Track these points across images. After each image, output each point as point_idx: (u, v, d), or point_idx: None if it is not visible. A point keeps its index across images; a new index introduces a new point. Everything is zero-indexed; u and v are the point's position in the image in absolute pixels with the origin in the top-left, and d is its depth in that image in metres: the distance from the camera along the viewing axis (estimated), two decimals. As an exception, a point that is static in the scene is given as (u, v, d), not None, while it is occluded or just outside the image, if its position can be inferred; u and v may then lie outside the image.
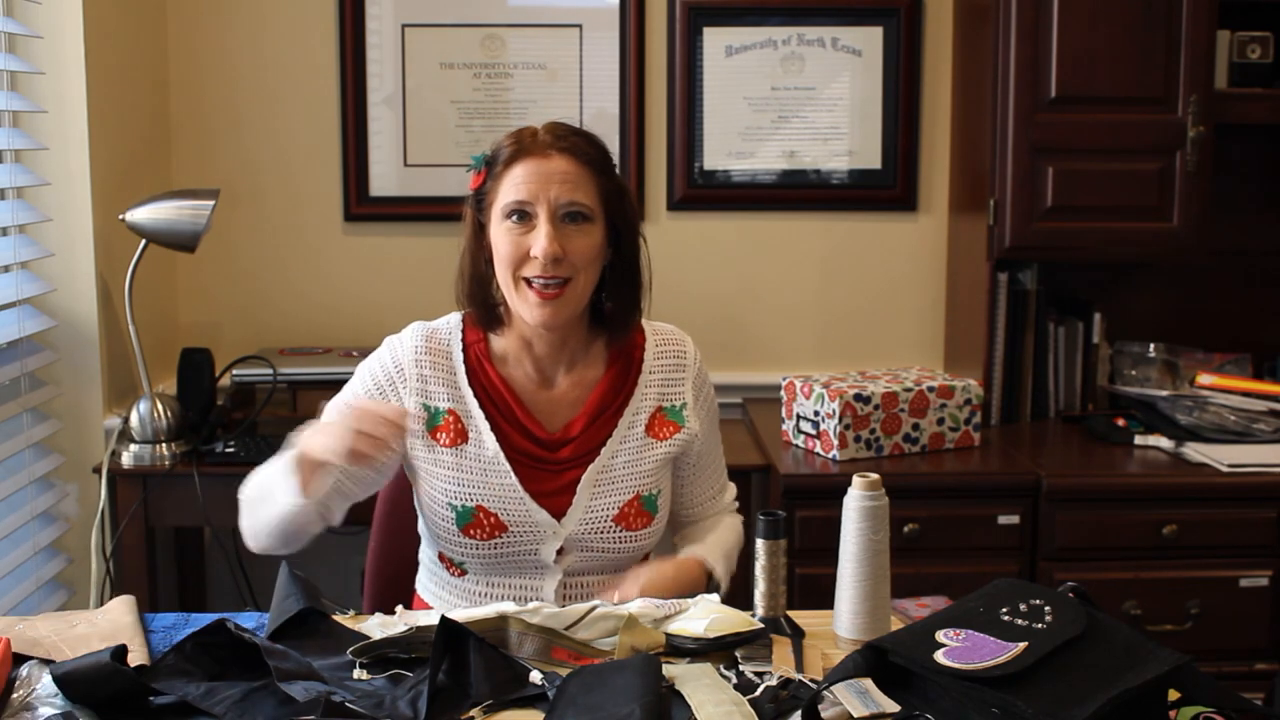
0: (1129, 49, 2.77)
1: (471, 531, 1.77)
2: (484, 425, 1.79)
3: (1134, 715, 1.23)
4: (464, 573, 1.83)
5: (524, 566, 1.80)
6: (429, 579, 1.91)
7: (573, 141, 1.75)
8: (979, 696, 1.22)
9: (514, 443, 1.80)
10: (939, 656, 1.27)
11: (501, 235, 1.74)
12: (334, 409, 1.83)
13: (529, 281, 1.73)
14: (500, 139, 1.80)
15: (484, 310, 1.82)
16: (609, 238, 1.79)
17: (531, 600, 1.78)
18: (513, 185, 1.73)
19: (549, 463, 1.81)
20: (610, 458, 1.82)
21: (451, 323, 1.87)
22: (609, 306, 1.84)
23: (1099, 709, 1.18)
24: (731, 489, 2.02)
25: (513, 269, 1.74)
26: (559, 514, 1.79)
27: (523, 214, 1.73)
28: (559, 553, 1.80)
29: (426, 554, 1.91)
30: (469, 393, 1.81)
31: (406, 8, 3.04)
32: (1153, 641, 1.29)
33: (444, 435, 1.80)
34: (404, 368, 1.82)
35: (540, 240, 1.71)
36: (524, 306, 1.75)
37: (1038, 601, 1.34)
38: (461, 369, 1.82)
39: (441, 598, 1.87)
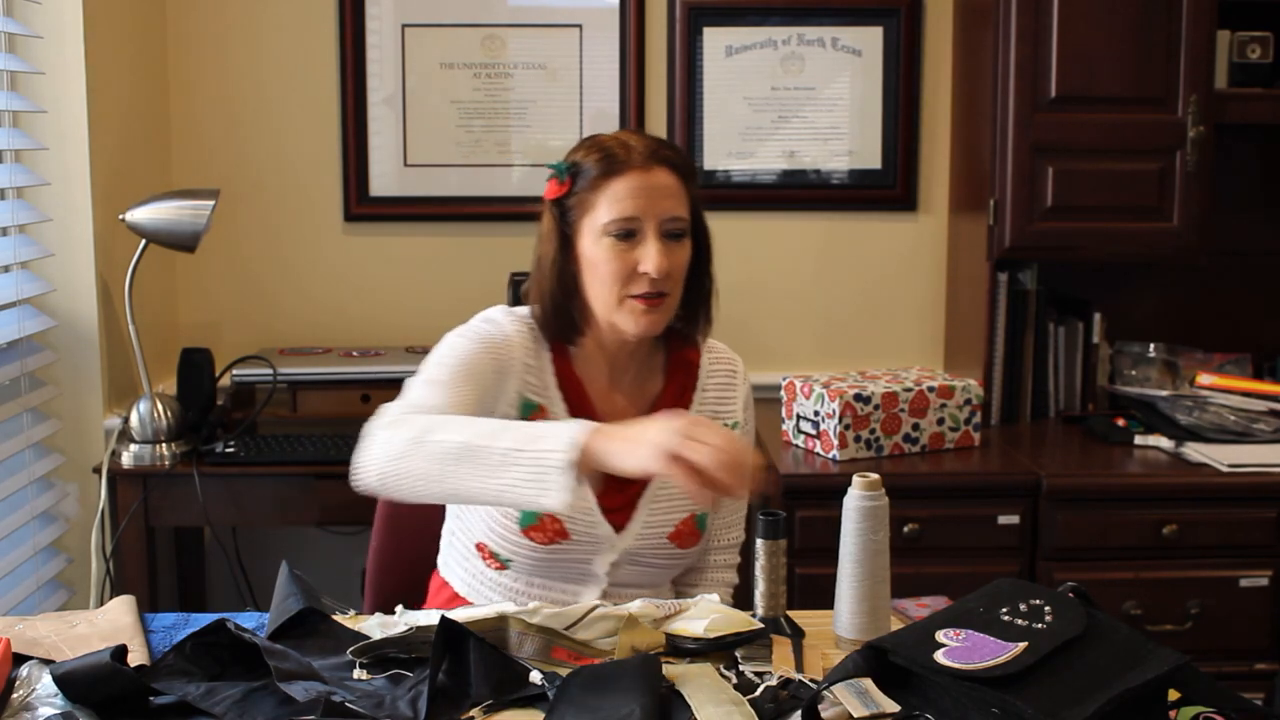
0: (1129, 49, 2.77)
1: (533, 534, 1.72)
2: None
3: (1134, 715, 1.23)
4: (505, 568, 1.77)
5: (572, 573, 1.76)
6: (458, 564, 1.84)
7: (667, 154, 1.73)
8: (979, 696, 1.22)
9: None
10: (939, 656, 1.27)
11: (603, 252, 1.71)
12: (435, 375, 1.67)
13: (631, 296, 1.71)
14: (581, 150, 1.76)
15: (565, 322, 1.77)
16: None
17: (569, 605, 1.76)
18: (615, 200, 1.70)
19: (615, 476, 1.73)
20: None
21: (534, 317, 1.81)
22: (680, 314, 1.80)
23: (1099, 709, 1.18)
24: (740, 538, 1.92)
25: (618, 287, 1.70)
26: (619, 527, 1.76)
27: (629, 231, 1.70)
28: (611, 565, 1.76)
29: (460, 539, 1.83)
30: (557, 394, 1.77)
31: (406, 8, 3.04)
32: (1152, 641, 1.29)
33: None
34: (514, 348, 1.75)
35: (651, 256, 1.68)
36: (625, 317, 1.72)
37: (1038, 601, 1.34)
38: (550, 367, 1.78)
39: (472, 586, 1.80)
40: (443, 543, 1.90)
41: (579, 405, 1.78)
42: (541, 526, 1.72)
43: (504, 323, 1.77)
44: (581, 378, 1.80)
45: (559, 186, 1.75)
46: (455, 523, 1.86)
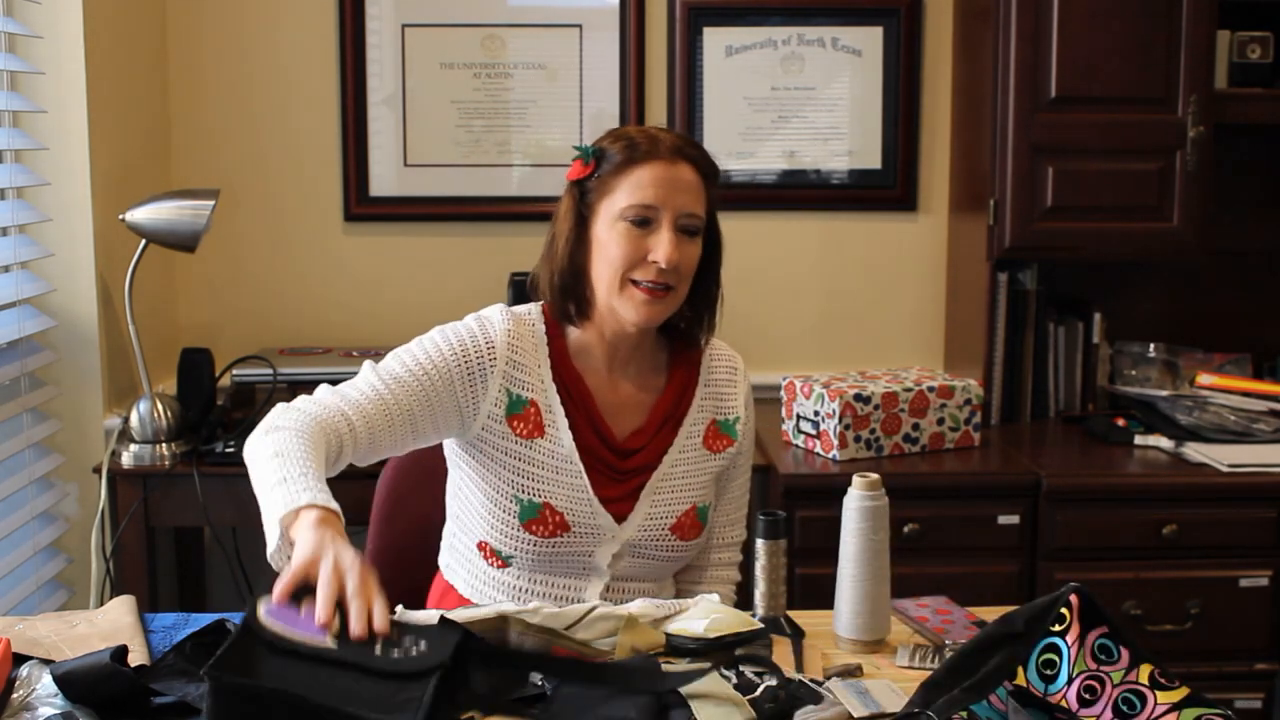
0: (1129, 49, 2.76)
1: (534, 528, 1.74)
2: (563, 422, 1.77)
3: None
4: (506, 565, 1.78)
5: (574, 567, 1.78)
6: (461, 566, 1.85)
7: (692, 153, 1.76)
8: None
9: (588, 443, 1.78)
10: None
11: (616, 236, 1.73)
12: (398, 363, 1.75)
13: (635, 282, 1.73)
14: (609, 137, 1.79)
15: (572, 303, 1.79)
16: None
17: (573, 601, 1.77)
18: (637, 187, 1.72)
19: (616, 468, 1.79)
20: (671, 467, 1.82)
21: (534, 313, 1.83)
22: (686, 315, 1.84)
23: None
24: (742, 536, 1.93)
25: (624, 270, 1.72)
26: (620, 519, 1.78)
27: (645, 219, 1.72)
28: (613, 556, 1.78)
29: (461, 540, 1.84)
30: (553, 387, 1.78)
31: (406, 8, 3.04)
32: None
33: (521, 425, 1.76)
34: (496, 348, 1.77)
35: (663, 247, 1.70)
36: (626, 304, 1.74)
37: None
38: (547, 361, 1.79)
39: (475, 587, 1.82)
40: (444, 545, 1.91)
41: (578, 397, 1.79)
42: (542, 519, 1.74)
43: (495, 321, 1.79)
44: (580, 369, 1.81)
45: (583, 168, 1.77)
46: (455, 524, 1.87)
